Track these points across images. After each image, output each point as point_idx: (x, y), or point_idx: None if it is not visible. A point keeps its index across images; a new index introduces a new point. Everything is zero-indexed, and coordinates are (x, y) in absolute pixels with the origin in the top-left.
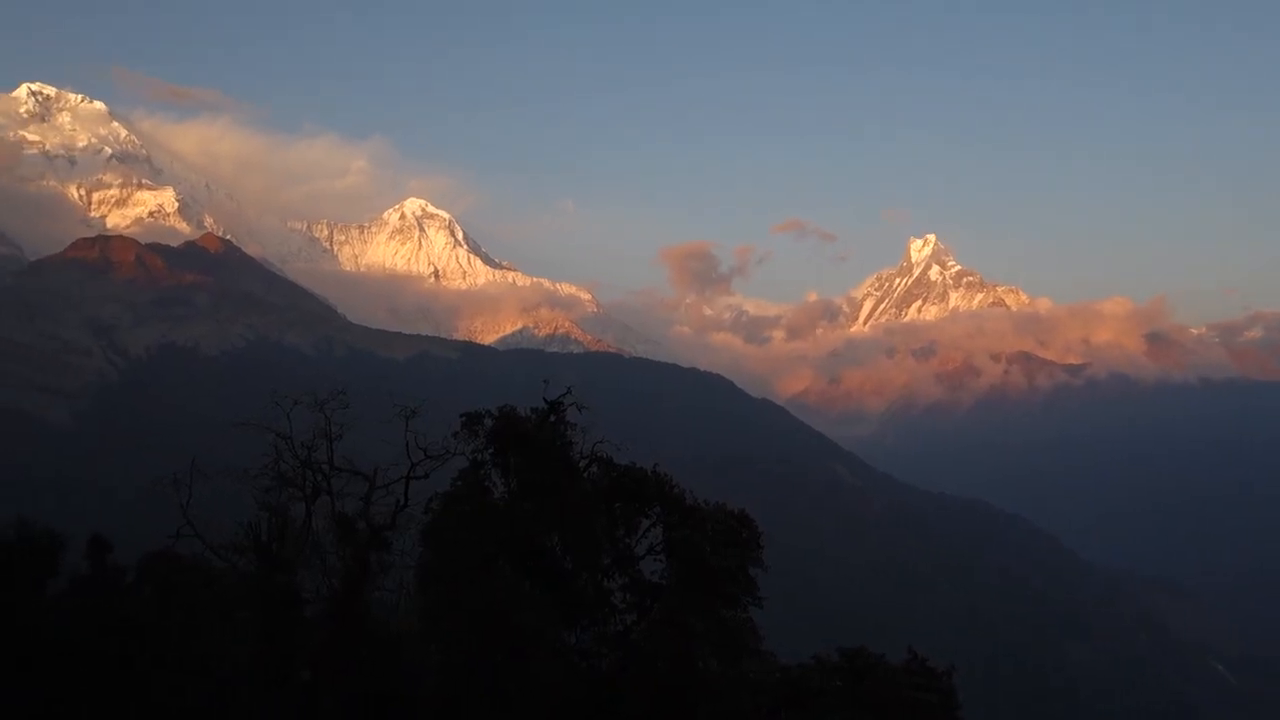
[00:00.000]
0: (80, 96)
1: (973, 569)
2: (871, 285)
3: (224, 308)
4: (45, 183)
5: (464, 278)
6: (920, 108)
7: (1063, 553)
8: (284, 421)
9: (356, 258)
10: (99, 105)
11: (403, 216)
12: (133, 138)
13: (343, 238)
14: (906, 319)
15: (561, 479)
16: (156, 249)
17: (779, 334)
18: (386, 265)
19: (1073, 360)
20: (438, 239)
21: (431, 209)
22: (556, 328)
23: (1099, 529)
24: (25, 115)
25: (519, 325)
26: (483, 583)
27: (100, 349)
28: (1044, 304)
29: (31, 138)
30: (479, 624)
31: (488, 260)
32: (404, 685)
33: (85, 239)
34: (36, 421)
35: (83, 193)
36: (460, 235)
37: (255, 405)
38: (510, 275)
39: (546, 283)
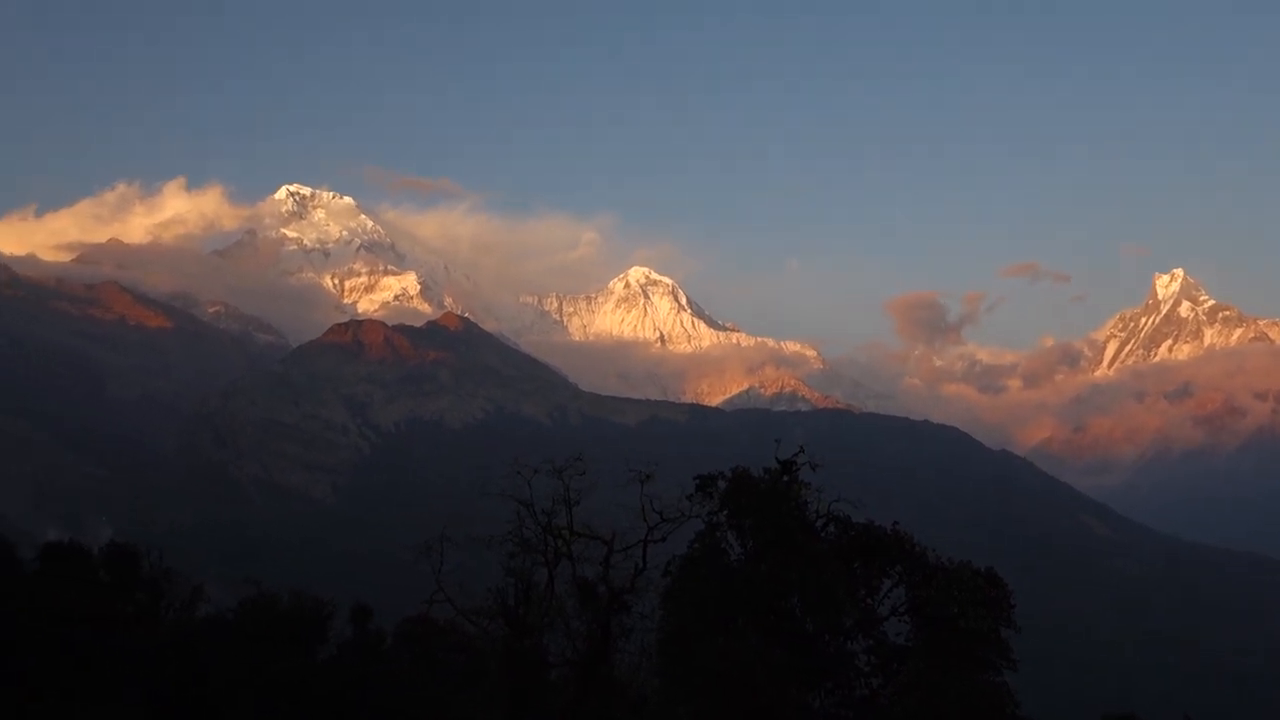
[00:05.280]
0: (332, 194)
1: (1249, 627)
2: (1114, 326)
3: (465, 382)
4: (303, 274)
5: (689, 341)
6: (1154, 134)
7: None
8: (525, 489)
9: (585, 327)
10: (348, 200)
11: (627, 285)
12: (378, 228)
13: (571, 309)
14: (1156, 360)
15: (798, 539)
16: (402, 330)
17: (1015, 382)
18: (614, 333)
19: None
20: (662, 305)
21: (655, 275)
22: (783, 386)
23: None
24: (285, 214)
25: (745, 385)
26: (724, 645)
27: (356, 426)
28: None
29: (291, 234)
30: (721, 687)
31: (711, 323)
32: None
33: (339, 324)
34: (303, 497)
35: (336, 281)
36: (683, 300)
37: (497, 474)
38: (734, 336)
39: (770, 342)
